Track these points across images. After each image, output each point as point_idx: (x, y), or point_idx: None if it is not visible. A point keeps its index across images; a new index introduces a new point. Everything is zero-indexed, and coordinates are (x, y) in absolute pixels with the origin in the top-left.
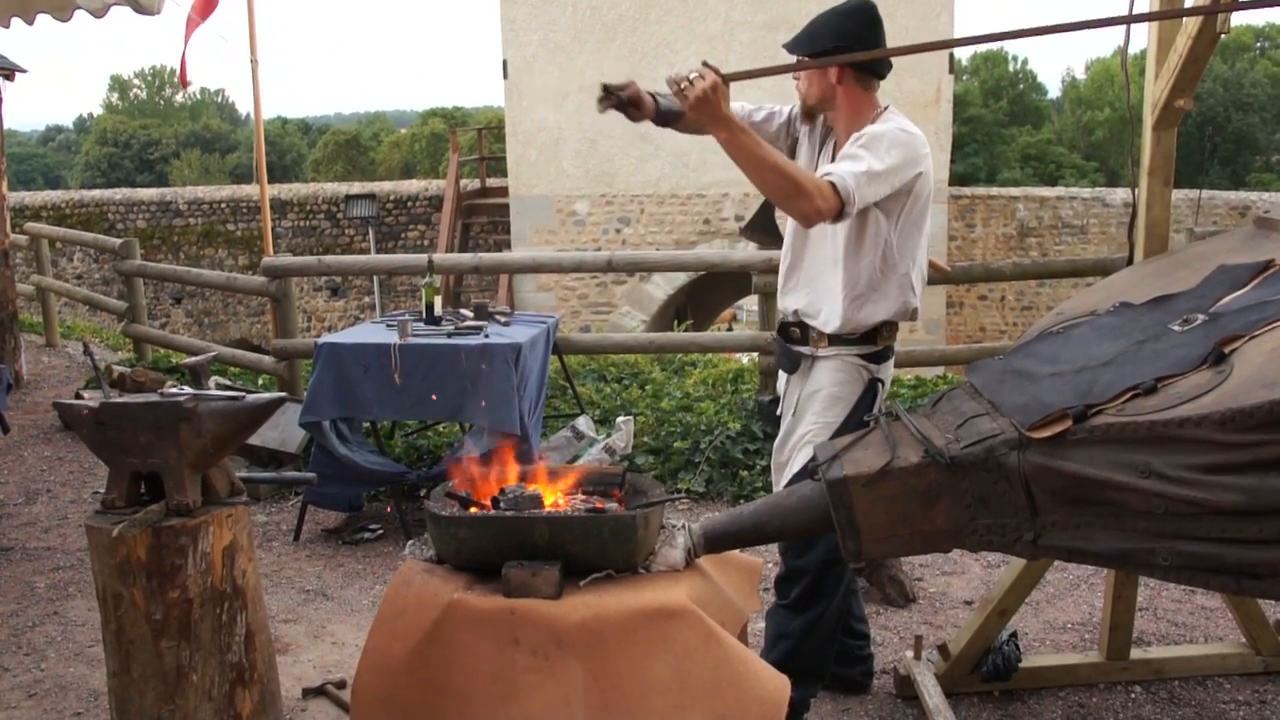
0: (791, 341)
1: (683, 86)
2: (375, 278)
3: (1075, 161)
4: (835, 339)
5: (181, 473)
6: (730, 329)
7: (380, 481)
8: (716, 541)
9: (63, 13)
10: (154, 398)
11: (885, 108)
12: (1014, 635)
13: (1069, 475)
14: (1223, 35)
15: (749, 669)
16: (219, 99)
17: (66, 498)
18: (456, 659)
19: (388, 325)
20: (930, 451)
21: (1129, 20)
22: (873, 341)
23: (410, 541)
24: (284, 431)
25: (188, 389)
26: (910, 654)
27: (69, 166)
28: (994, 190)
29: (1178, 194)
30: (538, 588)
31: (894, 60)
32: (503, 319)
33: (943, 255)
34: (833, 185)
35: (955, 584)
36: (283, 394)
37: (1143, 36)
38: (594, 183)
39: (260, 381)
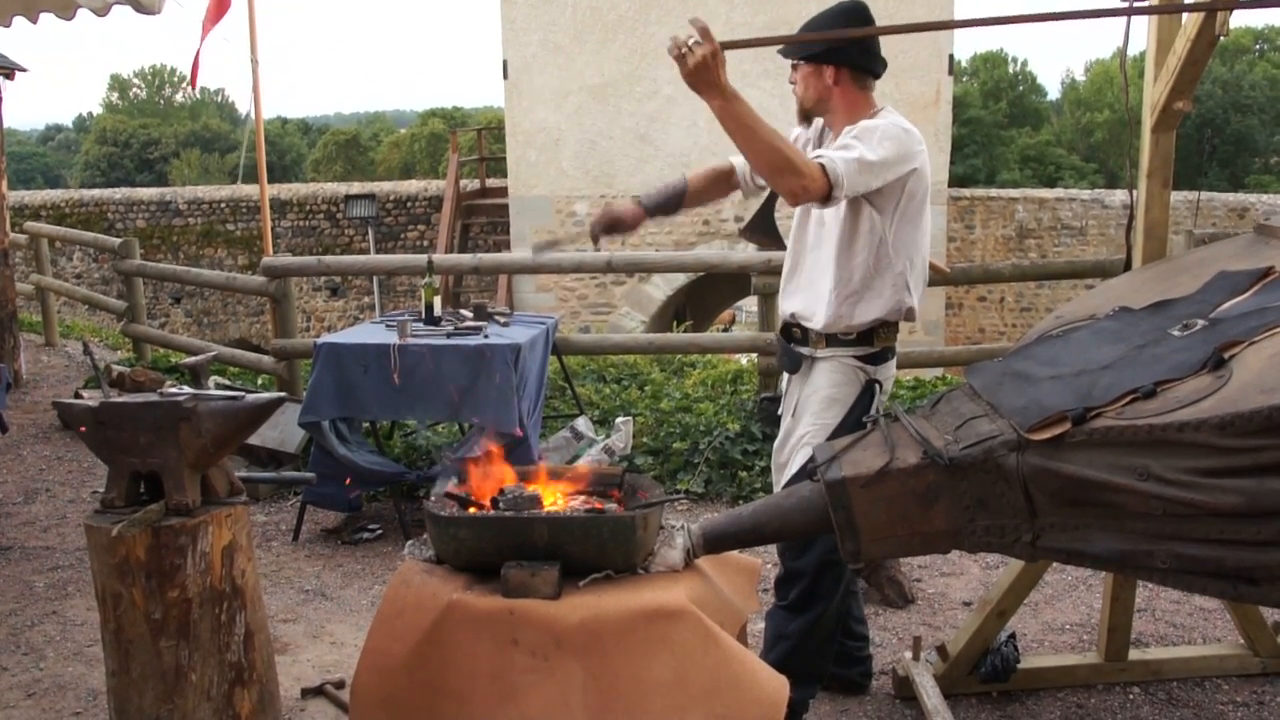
0: (793, 342)
1: (683, 51)
2: (375, 278)
3: (1074, 163)
4: (832, 340)
5: (181, 472)
6: (729, 330)
7: (379, 481)
8: (715, 542)
9: (66, 11)
10: (154, 397)
11: (882, 108)
12: (1012, 636)
13: (1067, 477)
14: (1222, 38)
15: (748, 670)
16: (219, 99)
17: (65, 497)
18: (455, 659)
19: (387, 325)
20: (929, 453)
21: (1129, 13)
22: (869, 343)
23: (409, 542)
24: (283, 431)
25: (187, 389)
26: (909, 655)
27: (69, 166)
28: (993, 192)
29: (1176, 196)
30: (537, 588)
31: (892, 62)
32: (502, 319)
33: (942, 256)
34: (822, 166)
35: (954, 585)
36: (282, 394)
37: (1142, 37)
38: (594, 183)
39: (260, 381)
